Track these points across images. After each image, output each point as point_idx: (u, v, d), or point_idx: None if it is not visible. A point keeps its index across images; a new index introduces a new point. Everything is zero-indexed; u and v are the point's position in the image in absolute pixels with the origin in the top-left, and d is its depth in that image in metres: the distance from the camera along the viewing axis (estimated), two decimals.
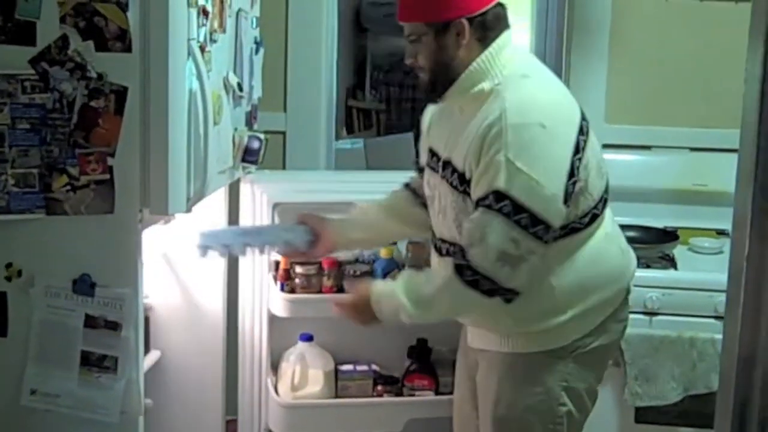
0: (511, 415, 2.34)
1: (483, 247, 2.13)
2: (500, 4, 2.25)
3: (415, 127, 5.73)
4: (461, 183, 2.23)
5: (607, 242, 2.34)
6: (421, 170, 2.51)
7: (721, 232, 3.43)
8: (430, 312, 2.29)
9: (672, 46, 3.52)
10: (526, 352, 2.31)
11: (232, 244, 2.52)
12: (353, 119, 5.44)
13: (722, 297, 2.89)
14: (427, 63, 2.25)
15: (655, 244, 3.08)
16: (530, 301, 2.22)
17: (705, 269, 3.10)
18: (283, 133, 3.57)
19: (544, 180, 2.12)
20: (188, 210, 2.27)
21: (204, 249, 2.49)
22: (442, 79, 2.25)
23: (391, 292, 2.27)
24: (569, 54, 3.58)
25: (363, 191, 2.89)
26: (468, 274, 2.16)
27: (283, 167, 3.54)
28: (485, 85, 2.22)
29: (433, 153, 2.39)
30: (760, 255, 0.95)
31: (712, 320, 2.98)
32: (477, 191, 2.16)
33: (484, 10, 2.22)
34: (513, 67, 2.24)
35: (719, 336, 2.91)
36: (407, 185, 2.63)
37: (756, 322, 0.96)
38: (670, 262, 3.10)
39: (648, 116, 3.51)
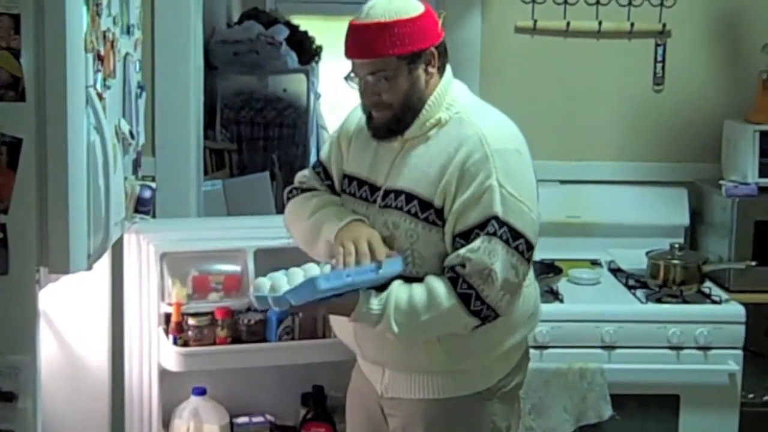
0: None
1: (491, 276, 2.10)
2: None
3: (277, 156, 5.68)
4: (423, 210, 2.17)
5: (532, 277, 2.36)
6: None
7: (595, 262, 3.52)
8: (417, 336, 2.20)
9: (540, 82, 3.60)
10: (455, 397, 2.26)
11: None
12: (206, 160, 5.29)
13: (607, 327, 3.02)
14: (397, 98, 2.17)
15: (539, 277, 3.11)
16: (468, 336, 2.19)
17: (587, 300, 3.17)
18: (153, 178, 3.42)
19: (530, 204, 2.16)
20: (89, 267, 2.14)
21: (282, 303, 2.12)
22: (410, 113, 2.19)
23: (378, 315, 2.13)
24: None
25: (253, 237, 2.82)
26: (476, 304, 2.12)
27: (154, 213, 3.40)
28: (442, 115, 2.21)
29: (357, 180, 2.31)
30: None
31: (599, 350, 3.05)
32: (469, 219, 2.12)
33: (443, 37, 2.22)
34: (465, 95, 2.27)
35: (608, 365, 3.01)
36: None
37: None
38: (555, 296, 3.14)
39: None
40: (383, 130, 2.23)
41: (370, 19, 2.14)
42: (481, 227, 2.12)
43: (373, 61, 2.15)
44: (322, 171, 2.44)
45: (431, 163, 2.18)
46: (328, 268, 2.19)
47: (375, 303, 2.15)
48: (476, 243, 2.11)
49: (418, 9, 2.16)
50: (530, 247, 2.17)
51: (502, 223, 2.11)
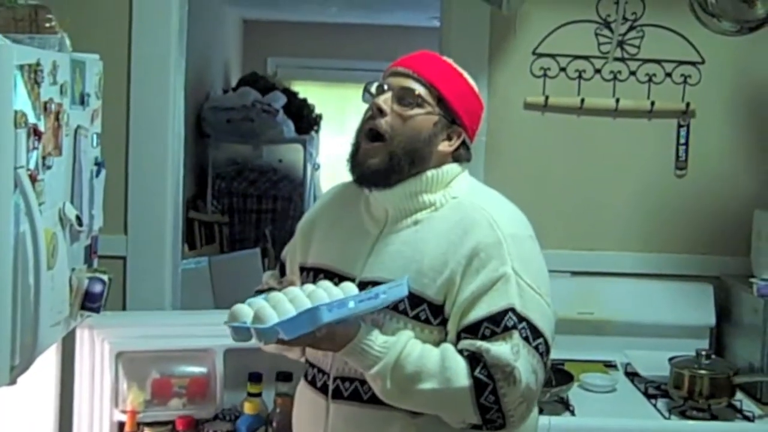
0: None
1: (513, 375, 1.80)
2: None
3: (261, 241, 5.38)
4: (414, 307, 1.86)
5: None
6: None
7: (609, 365, 3.19)
8: (404, 402, 1.86)
9: (550, 163, 3.31)
10: None
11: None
12: (195, 233, 5.00)
13: None
14: (405, 134, 1.91)
15: (548, 386, 2.76)
16: None
17: (602, 413, 2.80)
18: (124, 258, 3.13)
19: (548, 299, 1.91)
20: (12, 382, 1.81)
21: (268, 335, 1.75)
22: (405, 161, 1.91)
23: (376, 358, 1.81)
24: None
25: (224, 335, 2.45)
26: (489, 398, 1.81)
27: (124, 295, 3.10)
28: (437, 198, 1.94)
29: (325, 273, 1.98)
30: None
31: None
32: (480, 310, 1.82)
33: (472, 140, 2.03)
34: (467, 183, 2.01)
35: None
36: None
37: None
38: (566, 407, 2.79)
39: None
40: (371, 166, 1.93)
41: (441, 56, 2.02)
42: (494, 321, 1.82)
43: (420, 84, 1.94)
44: (280, 268, 2.16)
45: (424, 251, 1.89)
46: (320, 292, 1.82)
47: (378, 342, 1.83)
48: (497, 346, 1.81)
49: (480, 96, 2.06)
50: (548, 348, 1.89)
51: (520, 318, 1.82)
